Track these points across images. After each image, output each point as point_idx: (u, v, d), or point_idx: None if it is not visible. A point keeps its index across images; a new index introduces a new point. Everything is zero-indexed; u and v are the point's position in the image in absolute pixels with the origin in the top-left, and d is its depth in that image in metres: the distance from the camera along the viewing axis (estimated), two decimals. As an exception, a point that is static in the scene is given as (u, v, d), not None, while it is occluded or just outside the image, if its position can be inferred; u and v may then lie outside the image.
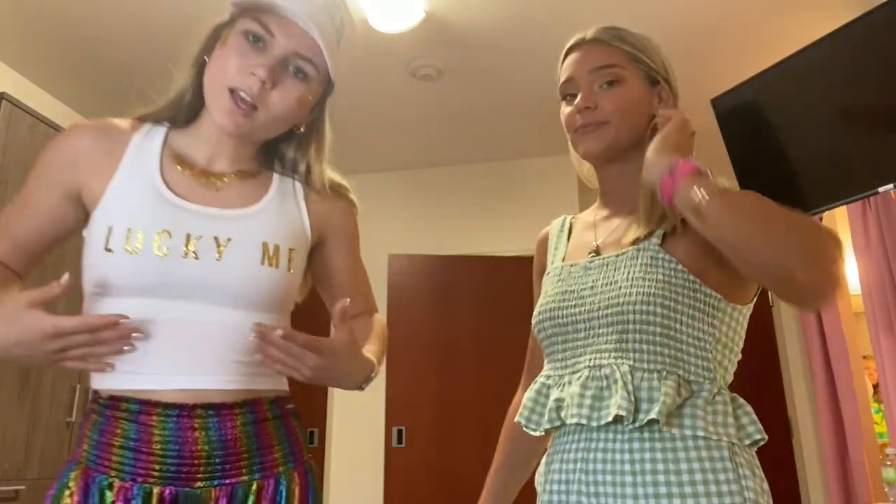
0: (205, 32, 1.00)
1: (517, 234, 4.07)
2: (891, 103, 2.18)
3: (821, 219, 3.35)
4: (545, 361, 1.06)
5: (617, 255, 0.99)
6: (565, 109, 1.07)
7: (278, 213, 1.01)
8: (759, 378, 3.78)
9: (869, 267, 2.64)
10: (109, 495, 0.86)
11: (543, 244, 1.20)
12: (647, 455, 0.88)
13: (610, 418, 0.88)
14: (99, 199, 0.93)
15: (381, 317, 1.19)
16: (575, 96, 1.06)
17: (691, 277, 0.93)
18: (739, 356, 1.00)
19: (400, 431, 3.54)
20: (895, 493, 2.33)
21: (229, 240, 0.93)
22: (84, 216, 0.97)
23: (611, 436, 0.91)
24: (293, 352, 0.86)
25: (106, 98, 3.41)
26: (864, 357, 3.60)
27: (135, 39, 2.92)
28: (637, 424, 0.88)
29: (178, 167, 0.97)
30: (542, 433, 0.98)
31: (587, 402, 0.91)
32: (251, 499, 0.90)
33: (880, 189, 2.21)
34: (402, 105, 3.49)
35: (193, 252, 0.91)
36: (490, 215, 4.13)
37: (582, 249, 1.07)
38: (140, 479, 0.87)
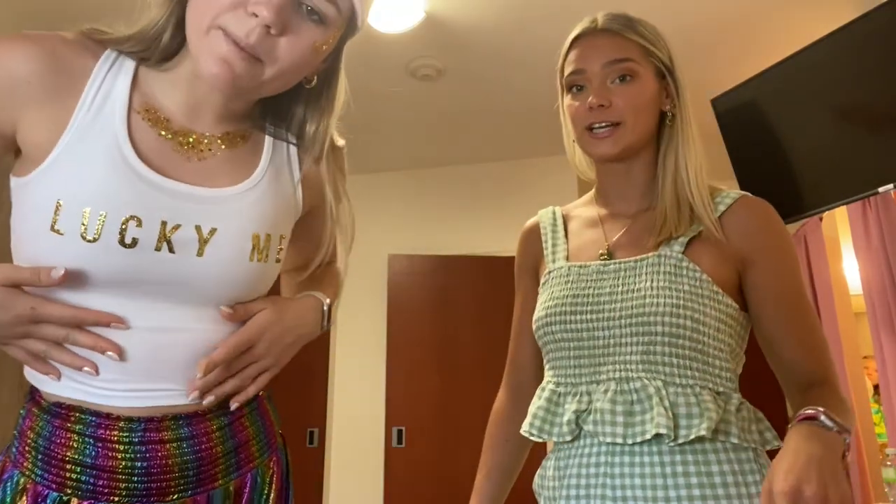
0: None
1: (517, 235, 4.06)
2: (891, 103, 2.18)
3: (821, 219, 3.35)
4: (547, 366, 1.02)
5: (637, 261, 0.95)
6: (573, 103, 1.00)
7: (272, 192, 0.82)
8: (760, 378, 3.77)
9: (869, 267, 2.64)
10: None
11: (533, 237, 1.13)
12: (680, 468, 0.86)
13: (648, 436, 0.86)
14: (44, 155, 0.70)
15: (340, 267, 1.03)
16: (582, 88, 0.99)
17: (715, 288, 0.91)
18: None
19: (400, 431, 3.54)
20: (895, 493, 2.33)
21: (214, 230, 0.75)
22: (11, 160, 0.75)
23: (644, 448, 0.88)
24: (233, 370, 0.78)
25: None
26: (865, 357, 3.60)
27: (135, 39, 2.92)
28: (680, 441, 0.86)
29: (150, 123, 0.75)
30: (552, 441, 0.96)
31: (619, 419, 0.88)
32: (228, 502, 0.80)
33: (880, 189, 2.21)
34: (402, 105, 3.49)
35: (168, 244, 0.72)
36: (490, 215, 4.13)
37: (589, 250, 1.02)
38: (103, 499, 0.73)
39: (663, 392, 0.88)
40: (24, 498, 0.72)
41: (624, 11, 1.03)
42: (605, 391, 0.91)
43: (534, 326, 1.03)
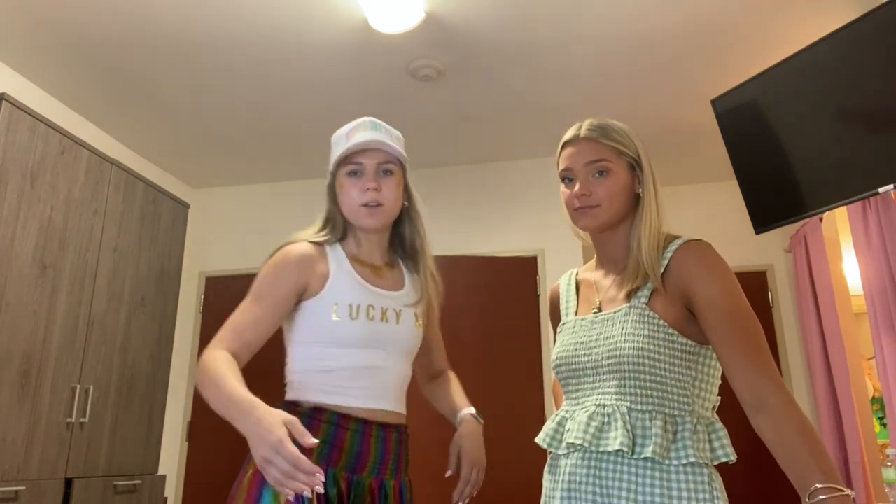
0: (327, 192, 1.48)
1: (517, 234, 4.06)
2: (891, 103, 2.18)
3: (821, 219, 3.35)
4: (563, 396, 1.34)
5: (614, 312, 1.24)
6: (565, 191, 1.33)
7: (415, 291, 1.48)
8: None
9: (870, 267, 2.64)
10: None
11: (556, 297, 1.47)
12: (648, 480, 1.12)
13: (610, 449, 1.13)
14: (320, 290, 1.36)
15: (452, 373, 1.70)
16: (573, 181, 1.30)
17: (670, 330, 1.17)
18: (720, 382, 1.21)
19: (400, 432, 3.54)
20: (895, 494, 2.33)
21: (401, 311, 1.42)
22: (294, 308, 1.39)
23: (615, 463, 1.15)
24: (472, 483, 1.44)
25: (106, 99, 3.41)
26: (870, 359, 3.60)
27: (135, 40, 2.92)
28: (635, 457, 1.13)
29: (359, 265, 1.43)
30: (561, 453, 1.25)
31: (591, 430, 1.18)
32: (390, 492, 1.32)
33: (880, 189, 2.21)
34: (402, 105, 3.49)
35: (385, 318, 1.38)
36: (490, 215, 4.13)
37: (588, 306, 1.33)
38: (332, 466, 1.25)
39: (627, 417, 1.15)
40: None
41: (602, 120, 1.33)
42: (586, 411, 1.21)
43: (552, 367, 1.35)
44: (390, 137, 1.44)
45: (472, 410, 1.55)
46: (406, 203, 1.51)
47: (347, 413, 1.30)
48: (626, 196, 1.28)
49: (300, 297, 1.37)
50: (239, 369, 1.22)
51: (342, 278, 1.39)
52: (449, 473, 1.43)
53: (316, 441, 1.04)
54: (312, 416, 1.29)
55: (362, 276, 1.41)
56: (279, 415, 1.05)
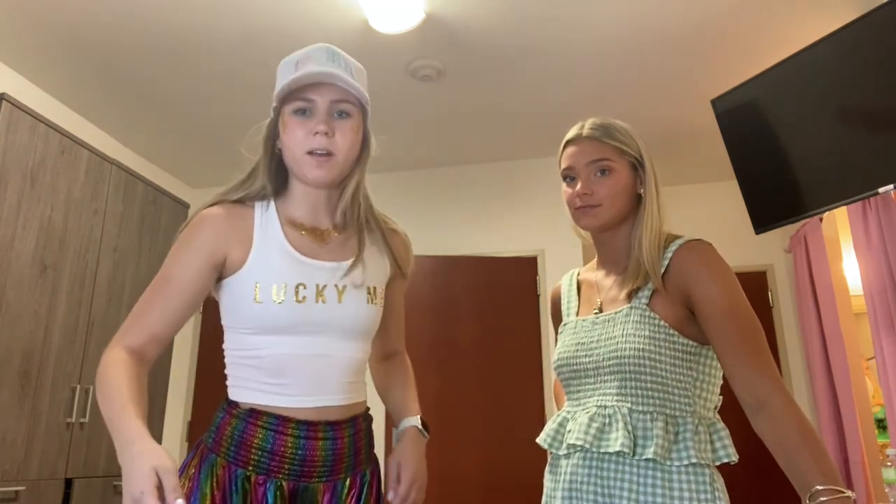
0: (263, 132, 1.22)
1: (517, 234, 4.06)
2: (891, 103, 2.17)
3: (821, 219, 3.35)
4: (565, 396, 1.33)
5: (615, 313, 1.23)
6: (566, 190, 1.31)
7: (373, 259, 1.24)
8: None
9: (870, 267, 2.64)
10: (247, 486, 1.08)
11: (557, 297, 1.45)
12: (650, 480, 1.11)
13: (611, 450, 1.13)
14: (242, 263, 1.14)
15: (407, 357, 1.45)
16: (574, 180, 1.29)
17: (671, 331, 1.16)
18: (721, 382, 1.21)
19: (400, 432, 3.54)
20: (895, 494, 2.33)
21: (345, 287, 1.17)
22: (215, 282, 1.18)
23: (617, 464, 1.15)
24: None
25: (106, 99, 3.41)
26: (869, 359, 3.60)
27: (135, 41, 2.92)
28: (637, 458, 1.12)
29: (294, 228, 1.19)
30: (562, 454, 1.24)
31: (592, 431, 1.17)
32: (345, 491, 1.14)
33: (880, 189, 2.20)
34: (402, 105, 3.49)
35: (322, 298, 1.14)
36: (490, 215, 4.13)
37: (589, 306, 1.32)
38: (272, 476, 1.09)
39: (628, 417, 1.15)
40: (221, 471, 1.08)
41: (605, 119, 1.32)
42: (587, 412, 1.20)
43: (553, 367, 1.34)
44: (349, 71, 1.17)
45: (419, 422, 1.29)
46: (359, 153, 1.23)
47: (288, 416, 1.11)
48: (627, 196, 1.27)
49: (221, 274, 1.15)
50: (141, 374, 1.06)
51: (268, 249, 1.15)
52: (391, 496, 1.19)
53: (181, 501, 0.88)
54: (248, 419, 1.11)
55: (295, 244, 1.17)
56: (155, 458, 0.91)
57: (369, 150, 1.27)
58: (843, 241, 3.40)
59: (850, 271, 3.59)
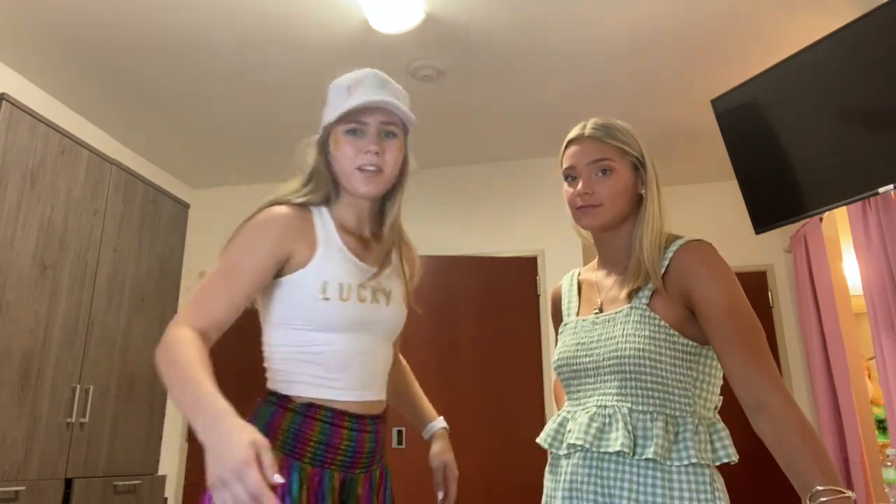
0: (316, 147, 1.33)
1: (517, 234, 4.06)
2: (891, 103, 2.17)
3: (821, 219, 3.35)
4: (565, 395, 1.33)
5: (615, 313, 1.24)
6: (567, 189, 1.32)
7: (399, 267, 1.38)
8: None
9: (870, 267, 2.64)
10: (304, 476, 1.14)
11: (557, 297, 1.46)
12: (650, 480, 1.11)
13: (611, 450, 1.13)
14: (306, 262, 1.21)
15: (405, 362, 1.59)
16: (576, 179, 1.29)
17: (671, 331, 1.16)
18: (721, 382, 1.21)
19: (400, 432, 3.54)
20: (895, 494, 2.33)
21: (390, 291, 1.30)
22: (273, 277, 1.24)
23: (617, 463, 1.15)
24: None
25: (106, 99, 3.41)
26: (869, 359, 3.60)
27: (135, 41, 2.92)
28: (637, 458, 1.12)
29: (348, 236, 1.30)
30: (562, 454, 1.25)
31: (592, 431, 1.17)
32: (376, 481, 1.25)
33: (880, 189, 2.20)
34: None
35: (376, 300, 1.26)
36: (490, 215, 4.13)
37: (590, 306, 1.33)
38: (326, 467, 1.16)
39: (628, 417, 1.15)
40: (278, 464, 1.03)
41: (607, 119, 1.32)
42: (587, 412, 1.21)
43: (553, 367, 1.34)
44: (397, 96, 1.28)
45: (444, 423, 1.49)
46: (400, 172, 1.35)
47: (343, 409, 1.19)
48: (628, 196, 1.27)
49: (280, 270, 1.21)
50: (207, 355, 1.06)
51: (331, 250, 1.24)
52: (441, 495, 1.39)
53: (283, 480, 0.92)
54: (306, 413, 1.17)
55: (351, 248, 1.27)
56: (250, 432, 0.88)
57: (408, 166, 1.36)
58: (843, 241, 3.40)
59: (850, 271, 3.59)
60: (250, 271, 1.17)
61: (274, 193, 1.29)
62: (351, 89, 1.27)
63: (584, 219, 1.29)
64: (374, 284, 1.26)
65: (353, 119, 1.26)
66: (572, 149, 1.31)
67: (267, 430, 1.15)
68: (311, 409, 1.17)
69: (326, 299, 1.18)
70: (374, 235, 1.35)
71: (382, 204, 1.36)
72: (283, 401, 1.18)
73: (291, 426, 1.16)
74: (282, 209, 1.24)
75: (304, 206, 1.27)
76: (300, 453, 1.15)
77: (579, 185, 1.28)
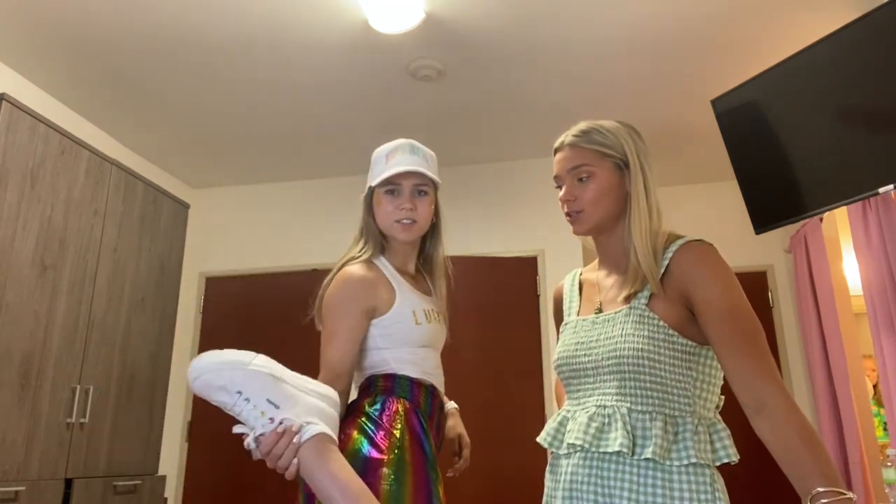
0: (364, 206, 1.64)
1: (517, 234, 4.06)
2: (891, 103, 2.18)
3: (821, 219, 3.35)
4: (565, 394, 1.35)
5: (615, 313, 1.24)
6: (559, 196, 1.35)
7: (438, 295, 1.69)
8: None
9: (870, 267, 2.64)
10: (421, 413, 1.49)
11: (559, 296, 1.48)
12: (650, 480, 1.12)
13: (610, 450, 1.14)
14: (392, 304, 1.52)
15: None
16: (561, 186, 1.34)
17: (670, 332, 1.17)
18: (722, 382, 1.22)
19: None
20: (895, 494, 2.33)
21: (439, 313, 1.63)
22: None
23: (617, 463, 1.16)
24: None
25: (106, 99, 3.41)
26: (868, 357, 3.60)
27: (135, 41, 2.92)
28: (636, 458, 1.13)
29: (403, 275, 1.60)
30: (562, 453, 1.26)
31: (591, 430, 1.18)
32: (439, 423, 1.60)
33: (880, 190, 2.21)
34: (402, 105, 3.49)
35: (436, 321, 1.59)
36: (490, 215, 4.13)
37: (590, 306, 1.34)
38: (430, 428, 1.49)
39: (627, 417, 1.15)
40: (413, 419, 1.48)
41: (591, 123, 1.34)
42: (587, 412, 1.22)
43: (553, 366, 1.35)
44: (426, 162, 1.58)
45: (455, 404, 1.81)
46: (434, 219, 1.66)
47: (431, 384, 1.55)
48: (613, 198, 1.28)
49: (372, 316, 1.50)
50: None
51: (403, 288, 1.56)
52: (456, 459, 1.78)
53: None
54: (411, 388, 1.50)
55: (409, 283, 1.59)
56: None
57: (441, 217, 1.68)
58: (843, 241, 3.41)
59: (850, 271, 3.59)
60: (353, 329, 1.48)
61: (344, 254, 1.60)
62: (389, 157, 1.57)
63: (571, 224, 1.33)
64: (429, 308, 1.58)
65: (390, 182, 1.56)
66: (556, 157, 1.36)
67: (385, 393, 1.47)
68: (415, 385, 1.51)
69: (419, 324, 1.52)
70: (418, 270, 1.68)
71: (422, 244, 1.68)
72: (388, 378, 1.50)
73: (403, 387, 1.50)
74: (360, 270, 1.52)
75: (370, 262, 1.56)
76: (415, 403, 1.49)
77: (561, 194, 1.32)
